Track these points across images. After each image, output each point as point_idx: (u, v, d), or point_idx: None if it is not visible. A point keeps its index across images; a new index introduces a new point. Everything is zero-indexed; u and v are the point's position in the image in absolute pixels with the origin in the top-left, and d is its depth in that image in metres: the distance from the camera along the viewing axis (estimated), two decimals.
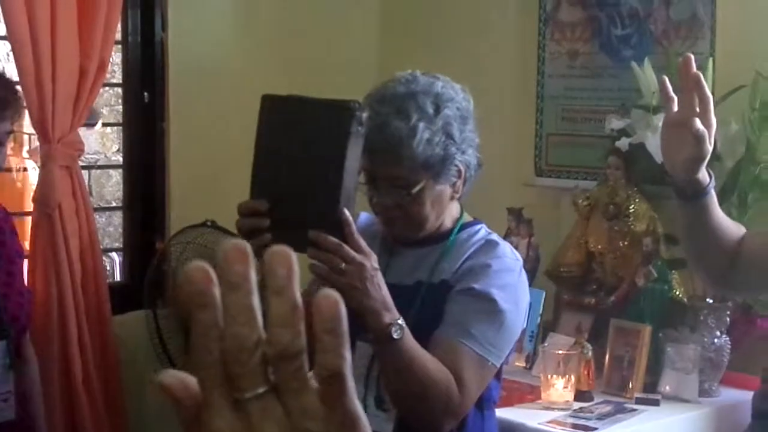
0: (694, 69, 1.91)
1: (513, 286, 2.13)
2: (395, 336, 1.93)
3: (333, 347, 0.59)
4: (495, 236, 2.22)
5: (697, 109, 1.91)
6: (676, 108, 1.92)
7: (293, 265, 0.60)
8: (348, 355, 0.60)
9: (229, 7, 4.13)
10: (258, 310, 0.60)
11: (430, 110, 2.08)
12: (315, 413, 0.60)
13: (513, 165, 3.93)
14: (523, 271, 2.19)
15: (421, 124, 2.06)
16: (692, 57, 1.93)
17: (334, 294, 0.59)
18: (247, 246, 0.60)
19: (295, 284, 0.60)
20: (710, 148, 1.91)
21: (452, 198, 2.17)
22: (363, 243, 1.86)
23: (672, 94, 1.93)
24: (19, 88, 2.58)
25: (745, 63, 3.32)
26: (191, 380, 0.61)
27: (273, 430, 0.60)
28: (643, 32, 3.64)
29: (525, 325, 2.30)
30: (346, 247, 1.82)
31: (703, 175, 1.96)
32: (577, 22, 3.82)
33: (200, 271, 0.59)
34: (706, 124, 1.90)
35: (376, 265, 1.90)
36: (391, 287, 1.96)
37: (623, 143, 3.37)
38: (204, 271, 0.59)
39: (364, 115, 1.75)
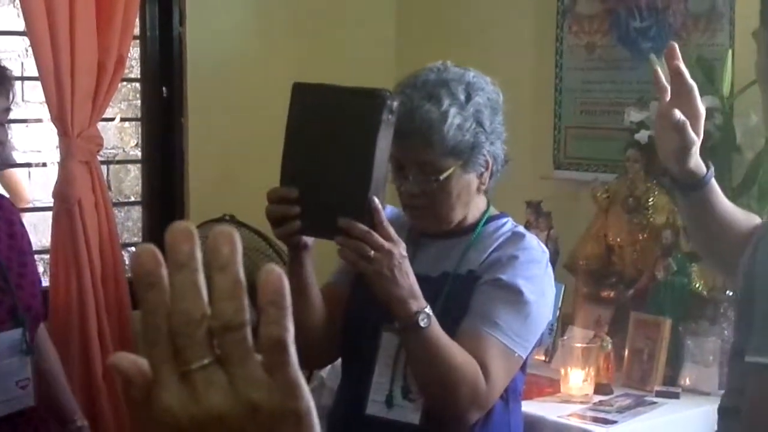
0: (677, 59, 1.90)
1: (539, 278, 2.13)
2: (422, 324, 1.94)
3: (276, 318, 0.62)
4: (521, 228, 2.23)
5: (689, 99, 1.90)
6: (668, 98, 1.92)
7: (237, 243, 0.63)
8: (291, 326, 0.62)
9: (246, 1, 4.13)
10: (203, 288, 0.63)
11: (462, 97, 2.09)
12: (258, 382, 0.62)
13: (531, 158, 3.92)
14: (549, 264, 2.19)
15: (453, 110, 2.07)
16: (675, 45, 1.93)
17: (277, 268, 0.62)
18: (192, 227, 0.63)
19: (238, 261, 0.62)
20: (694, 137, 1.89)
21: (478, 190, 2.17)
22: (392, 231, 1.87)
23: (664, 84, 1.92)
24: (6, 65, 2.59)
25: None
26: (142, 361, 0.64)
27: (218, 399, 0.62)
28: (662, 25, 3.62)
29: (551, 318, 2.30)
30: (375, 235, 1.83)
31: (698, 165, 1.94)
32: (595, 14, 3.81)
33: (148, 253, 0.63)
34: (692, 113, 1.89)
35: (405, 253, 1.91)
36: (417, 278, 1.97)
37: (642, 136, 3.36)
38: (152, 253, 0.63)
39: (395, 103, 1.76)
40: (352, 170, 1.76)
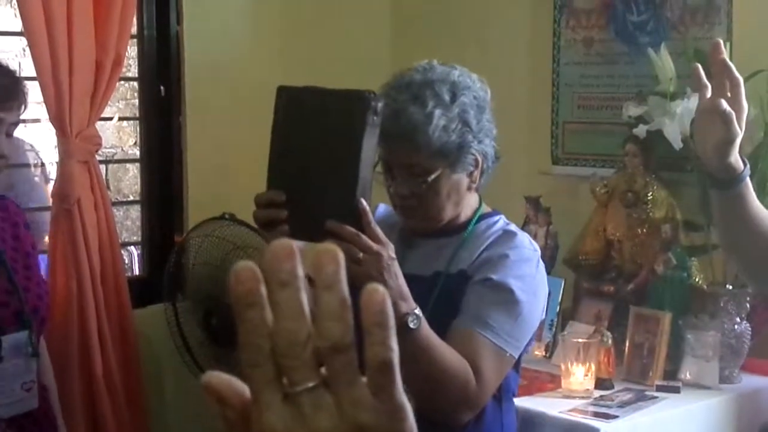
0: (723, 54, 1.92)
1: (531, 277, 2.12)
2: (412, 326, 1.92)
3: (382, 339, 0.61)
4: (513, 227, 2.21)
5: (728, 93, 1.91)
6: (709, 94, 1.92)
7: (341, 261, 0.61)
8: (396, 347, 0.61)
9: (244, 0, 4.13)
10: (307, 306, 0.61)
11: (447, 97, 2.08)
12: (366, 404, 0.61)
13: (529, 153, 3.92)
14: (541, 262, 2.17)
15: (438, 111, 2.05)
16: (721, 42, 1.94)
17: (381, 288, 0.61)
18: (295, 244, 0.61)
19: (344, 280, 0.61)
20: (739, 130, 1.91)
21: (469, 188, 2.16)
22: (380, 232, 1.86)
23: (705, 81, 1.93)
24: (21, 77, 2.59)
25: (762, 48, 3.30)
26: (236, 381, 0.63)
27: (325, 422, 0.61)
28: (659, 18, 3.62)
29: (543, 317, 2.29)
30: (363, 237, 1.82)
31: (737, 161, 1.95)
32: (592, 8, 3.80)
33: (248, 271, 0.61)
34: (737, 107, 1.90)
35: (393, 255, 1.89)
36: (409, 278, 1.95)
37: (641, 130, 3.36)
38: (251, 271, 0.61)
39: (380, 104, 1.75)
40: (338, 173, 1.75)
